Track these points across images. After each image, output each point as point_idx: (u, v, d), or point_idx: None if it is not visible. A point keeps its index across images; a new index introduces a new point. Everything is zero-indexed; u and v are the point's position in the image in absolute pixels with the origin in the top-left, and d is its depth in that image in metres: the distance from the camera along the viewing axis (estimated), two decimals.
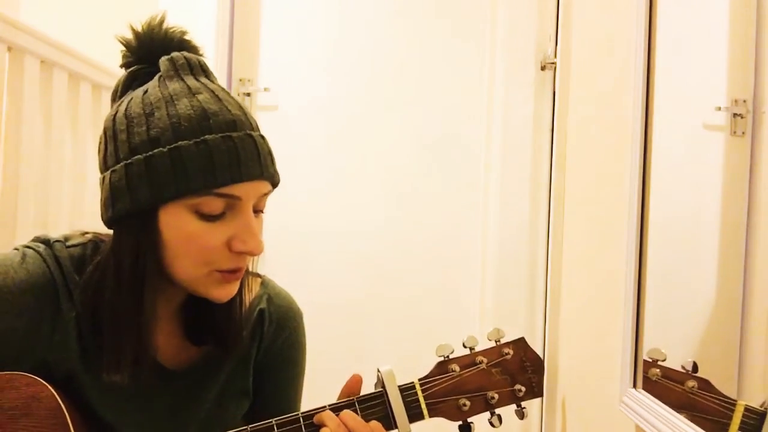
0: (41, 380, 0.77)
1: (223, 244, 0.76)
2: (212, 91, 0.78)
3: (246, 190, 0.76)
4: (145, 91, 0.79)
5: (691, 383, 0.85)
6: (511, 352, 0.89)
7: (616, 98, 1.23)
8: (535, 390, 0.88)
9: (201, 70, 0.82)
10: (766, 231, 0.73)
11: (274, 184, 0.82)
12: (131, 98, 0.79)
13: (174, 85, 0.78)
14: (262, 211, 0.82)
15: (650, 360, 0.98)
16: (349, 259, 2.13)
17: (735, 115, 0.79)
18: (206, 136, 0.74)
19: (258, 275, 0.95)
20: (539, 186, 2.01)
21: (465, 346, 0.89)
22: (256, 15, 2.16)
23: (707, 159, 0.89)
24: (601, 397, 1.26)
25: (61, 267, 0.80)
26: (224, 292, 0.80)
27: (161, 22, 0.84)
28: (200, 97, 0.77)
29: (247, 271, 0.95)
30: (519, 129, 2.03)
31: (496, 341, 0.90)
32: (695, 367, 0.86)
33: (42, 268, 0.79)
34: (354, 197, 2.14)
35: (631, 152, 1.06)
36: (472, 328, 2.09)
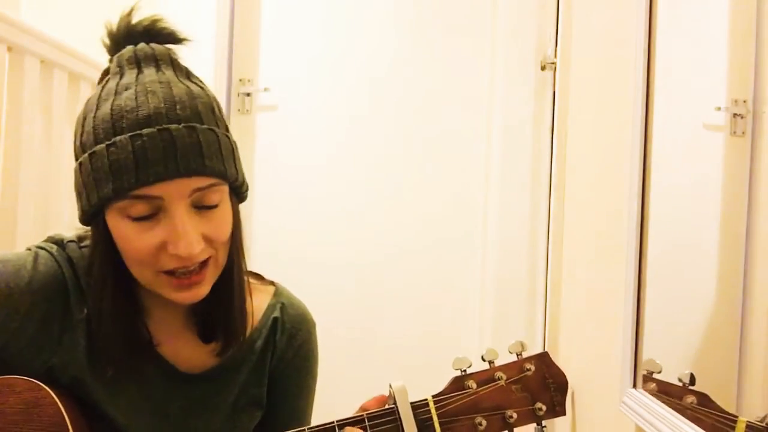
0: (43, 385, 0.76)
1: (156, 247, 0.73)
2: (144, 85, 0.75)
3: (165, 190, 0.72)
4: (93, 94, 0.79)
5: (689, 398, 0.83)
6: (533, 367, 0.82)
7: (616, 98, 1.23)
8: (557, 409, 0.82)
9: (151, 60, 0.78)
10: (766, 231, 0.73)
11: (221, 177, 0.76)
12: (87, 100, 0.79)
13: (109, 85, 0.76)
14: (214, 206, 0.76)
15: (646, 372, 0.98)
16: (348, 258, 2.13)
17: (735, 115, 0.79)
18: (116, 138, 0.72)
19: (272, 283, 0.94)
20: (539, 186, 2.01)
21: (484, 360, 0.82)
22: (256, 15, 2.16)
23: (707, 159, 0.89)
24: (601, 397, 1.26)
25: (74, 268, 0.80)
26: (184, 296, 0.77)
27: (129, 14, 0.81)
28: (126, 94, 0.74)
29: (260, 277, 0.94)
30: (519, 129, 2.03)
31: (517, 355, 0.83)
32: (692, 380, 0.84)
33: (54, 268, 0.79)
34: (354, 197, 2.14)
35: (631, 152, 1.06)
36: (472, 328, 2.09)
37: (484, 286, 2.08)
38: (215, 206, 0.76)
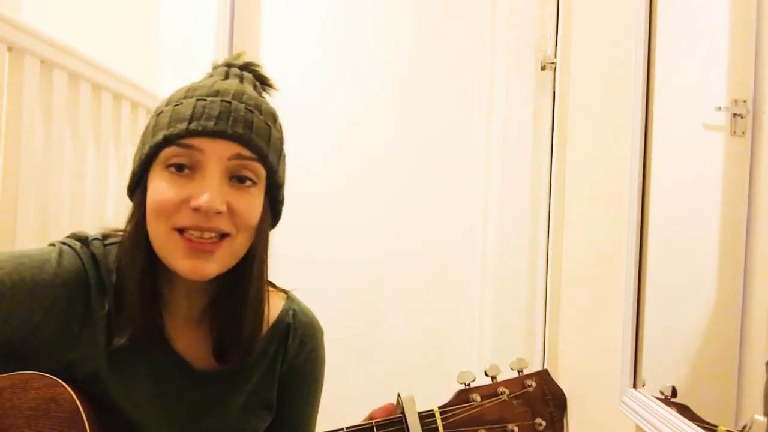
0: (60, 381, 0.77)
1: (181, 199, 0.77)
2: (224, 83, 0.84)
3: (209, 146, 0.78)
4: None
5: (671, 410, 0.85)
6: (534, 384, 0.87)
7: (616, 98, 1.23)
8: (556, 425, 0.86)
9: (238, 76, 0.88)
10: (766, 231, 0.73)
11: (260, 157, 0.82)
12: None
13: (195, 80, 0.87)
14: (248, 184, 0.81)
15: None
16: (348, 258, 2.13)
17: (735, 115, 0.79)
18: (184, 100, 0.81)
19: (284, 291, 0.97)
20: (539, 186, 2.01)
21: (487, 375, 0.87)
22: (256, 14, 2.16)
23: (707, 159, 0.89)
24: (601, 397, 1.26)
25: (97, 265, 0.83)
26: (189, 265, 0.78)
27: (236, 57, 0.94)
28: (206, 80, 0.85)
29: (272, 284, 0.96)
30: (519, 129, 2.03)
31: (519, 371, 0.88)
32: (674, 392, 0.86)
33: (77, 265, 0.81)
34: (354, 197, 2.14)
35: (631, 152, 1.06)
36: (472, 329, 2.09)
37: (484, 287, 2.08)
38: (248, 186, 0.81)
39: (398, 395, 0.85)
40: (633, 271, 1.04)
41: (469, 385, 0.86)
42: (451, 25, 2.13)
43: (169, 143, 0.78)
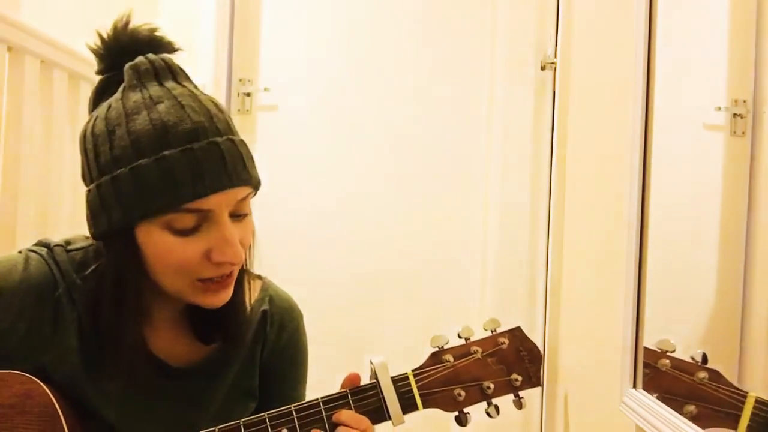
0: (35, 379, 0.77)
1: (200, 256, 0.75)
2: (175, 98, 0.76)
3: (216, 202, 0.74)
4: (109, 107, 0.78)
5: (701, 374, 0.85)
6: (507, 341, 0.88)
7: (616, 98, 1.23)
8: (533, 380, 0.87)
9: (168, 72, 0.79)
10: (766, 231, 0.73)
11: (254, 186, 0.80)
12: (97, 115, 0.79)
13: (135, 97, 0.76)
14: (246, 214, 0.80)
15: (659, 350, 0.98)
16: (349, 257, 2.13)
17: (735, 115, 0.79)
18: (165, 152, 0.72)
19: (259, 277, 0.96)
20: (539, 186, 2.01)
21: (460, 337, 0.88)
22: (256, 15, 2.16)
23: (707, 159, 0.89)
24: (601, 397, 1.26)
25: (61, 270, 0.82)
26: (215, 300, 0.79)
27: (126, 23, 0.82)
28: (160, 107, 0.74)
29: (247, 272, 0.96)
30: (519, 129, 2.03)
31: (492, 331, 0.89)
32: (705, 358, 0.85)
33: (44, 270, 0.81)
34: (353, 197, 2.14)
35: (631, 152, 1.06)
36: (472, 326, 2.09)
37: (484, 287, 2.08)
38: (245, 214, 0.80)
39: (370, 361, 0.85)
40: (633, 271, 1.04)
41: (442, 347, 0.87)
42: (451, 25, 2.13)
43: (172, 210, 0.73)
